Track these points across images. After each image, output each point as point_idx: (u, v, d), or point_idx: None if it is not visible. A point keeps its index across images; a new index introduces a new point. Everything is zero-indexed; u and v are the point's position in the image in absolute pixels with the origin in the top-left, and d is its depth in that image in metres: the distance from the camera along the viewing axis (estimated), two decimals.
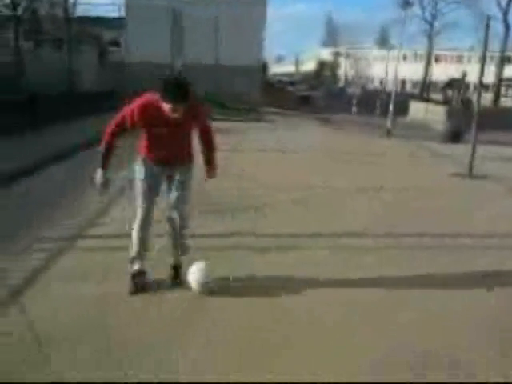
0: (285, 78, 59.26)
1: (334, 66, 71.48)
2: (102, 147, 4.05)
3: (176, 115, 3.82)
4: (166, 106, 3.78)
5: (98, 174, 4.06)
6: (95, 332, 3.50)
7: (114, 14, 28.39)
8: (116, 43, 29.36)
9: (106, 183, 4.11)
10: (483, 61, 10.44)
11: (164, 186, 4.27)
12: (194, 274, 4.14)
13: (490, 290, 4.52)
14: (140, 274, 4.22)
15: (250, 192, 7.71)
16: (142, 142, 4.15)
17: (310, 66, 77.57)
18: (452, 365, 3.34)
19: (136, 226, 4.21)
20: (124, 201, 6.45)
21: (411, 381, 3.14)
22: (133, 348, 3.32)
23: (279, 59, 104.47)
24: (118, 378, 3.00)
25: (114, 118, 4.04)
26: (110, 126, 4.02)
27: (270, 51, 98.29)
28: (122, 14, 27.38)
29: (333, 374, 3.16)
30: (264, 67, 37.65)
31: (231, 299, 4.13)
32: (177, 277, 4.33)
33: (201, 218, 5.87)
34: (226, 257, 4.89)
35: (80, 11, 27.65)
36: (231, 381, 3.04)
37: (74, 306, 3.87)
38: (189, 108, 3.87)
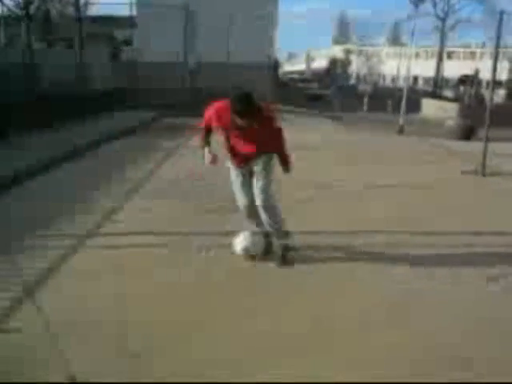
0: (296, 76, 59.13)
1: (345, 64, 71.13)
2: (200, 135, 4.76)
3: (243, 122, 4.33)
4: (233, 116, 4.34)
5: (206, 153, 4.67)
6: (102, 331, 3.53)
7: (127, 13, 28.43)
8: (129, 42, 29.41)
9: (214, 158, 4.65)
10: (495, 57, 10.33)
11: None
12: (240, 241, 4.79)
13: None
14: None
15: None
16: (224, 147, 4.78)
17: (321, 63, 77.38)
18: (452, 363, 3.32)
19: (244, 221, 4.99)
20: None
21: (412, 381, 3.12)
22: (135, 348, 3.33)
23: (291, 57, 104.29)
24: (117, 379, 3.00)
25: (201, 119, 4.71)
26: (201, 124, 4.72)
27: (282, 49, 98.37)
28: (134, 12, 27.43)
29: (333, 373, 3.14)
30: (275, 65, 37.54)
31: (234, 299, 4.13)
32: (284, 261, 4.79)
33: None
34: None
35: (92, 11, 27.81)
36: (231, 381, 3.03)
37: (85, 303, 3.90)
38: (254, 115, 4.33)
